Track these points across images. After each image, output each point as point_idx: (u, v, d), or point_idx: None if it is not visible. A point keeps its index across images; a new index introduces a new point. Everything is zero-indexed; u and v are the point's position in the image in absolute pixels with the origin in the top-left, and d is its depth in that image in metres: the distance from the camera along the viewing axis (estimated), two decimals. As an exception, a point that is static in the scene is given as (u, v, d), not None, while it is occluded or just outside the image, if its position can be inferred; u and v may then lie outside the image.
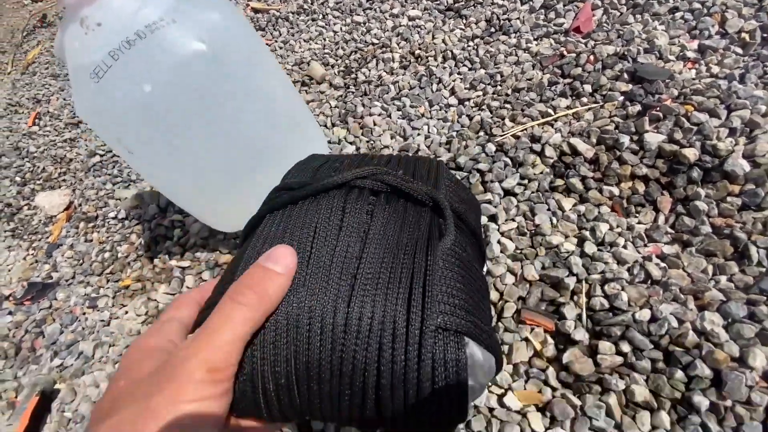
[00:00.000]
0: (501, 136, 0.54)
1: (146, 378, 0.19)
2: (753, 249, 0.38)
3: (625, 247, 0.42)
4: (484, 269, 0.32)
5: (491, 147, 0.53)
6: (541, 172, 0.50)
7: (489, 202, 0.49)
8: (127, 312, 0.57)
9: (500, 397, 0.37)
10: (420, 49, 0.73)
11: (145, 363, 0.20)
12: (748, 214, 0.40)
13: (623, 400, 0.35)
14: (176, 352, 0.20)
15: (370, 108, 0.66)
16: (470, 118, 0.59)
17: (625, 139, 0.47)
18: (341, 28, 0.86)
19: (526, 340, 0.39)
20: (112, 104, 0.37)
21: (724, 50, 0.52)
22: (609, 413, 0.34)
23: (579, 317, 0.39)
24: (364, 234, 0.24)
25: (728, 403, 0.32)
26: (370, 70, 0.74)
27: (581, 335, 0.38)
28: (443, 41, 0.72)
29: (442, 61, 0.69)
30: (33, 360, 0.58)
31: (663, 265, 0.40)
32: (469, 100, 0.62)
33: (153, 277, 0.59)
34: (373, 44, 0.79)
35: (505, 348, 0.39)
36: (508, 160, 0.52)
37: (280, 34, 0.92)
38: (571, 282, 0.41)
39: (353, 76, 0.75)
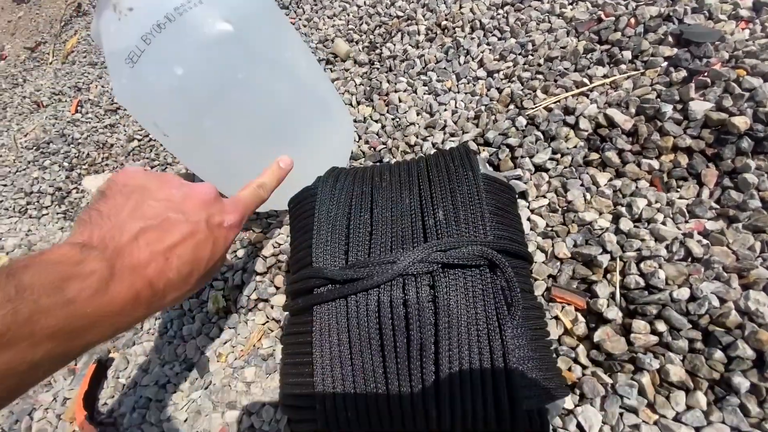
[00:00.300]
0: (532, 108, 0.52)
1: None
2: (808, 224, 0.35)
3: (664, 223, 0.40)
4: None
5: (522, 121, 0.51)
6: (575, 146, 0.48)
7: (519, 178, 0.47)
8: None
9: (528, 374, 0.37)
10: (447, 19, 0.70)
11: None
12: (805, 187, 0.37)
13: (657, 380, 0.34)
14: None
15: (396, 84, 0.65)
16: (500, 91, 0.57)
17: (668, 109, 0.44)
18: (365, 2, 0.84)
19: (556, 318, 0.39)
20: (146, 88, 0.38)
21: (785, 6, 0.48)
22: (641, 392, 0.34)
23: (612, 295, 0.38)
24: (434, 327, 0.26)
25: (771, 384, 0.31)
26: (395, 45, 0.72)
27: (614, 314, 0.37)
28: (471, 10, 0.69)
29: (470, 31, 0.67)
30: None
31: (705, 242, 0.38)
32: (498, 71, 0.59)
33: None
34: (398, 17, 0.77)
35: (534, 325, 0.39)
36: (540, 134, 0.50)
37: (304, 12, 0.91)
38: (604, 260, 0.39)
39: (378, 51, 0.73)
